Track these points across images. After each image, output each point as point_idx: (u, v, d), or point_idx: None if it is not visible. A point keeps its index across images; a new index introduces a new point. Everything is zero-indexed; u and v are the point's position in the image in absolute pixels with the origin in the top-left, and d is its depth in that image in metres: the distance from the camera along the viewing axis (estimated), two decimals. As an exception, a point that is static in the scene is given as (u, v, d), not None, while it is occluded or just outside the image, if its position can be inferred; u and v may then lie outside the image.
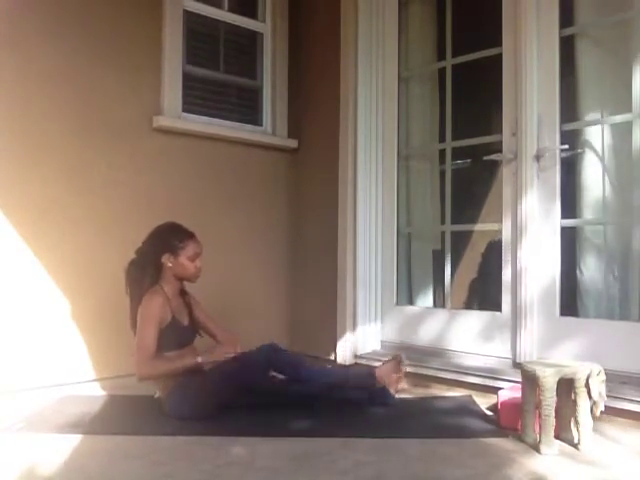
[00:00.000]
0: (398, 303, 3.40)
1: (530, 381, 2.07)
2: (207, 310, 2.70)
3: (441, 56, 3.35)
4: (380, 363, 2.75)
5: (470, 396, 2.73)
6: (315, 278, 3.58)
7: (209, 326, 2.67)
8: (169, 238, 2.52)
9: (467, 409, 2.56)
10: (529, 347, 2.74)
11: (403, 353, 2.77)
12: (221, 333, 2.67)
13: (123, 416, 2.48)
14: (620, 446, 2.10)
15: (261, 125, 3.70)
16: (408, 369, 2.75)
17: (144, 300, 2.43)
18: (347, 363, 2.84)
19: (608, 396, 2.09)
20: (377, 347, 3.39)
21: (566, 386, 2.06)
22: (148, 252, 2.51)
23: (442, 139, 3.37)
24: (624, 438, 2.18)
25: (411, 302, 3.46)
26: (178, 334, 2.49)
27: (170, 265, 2.51)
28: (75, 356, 2.85)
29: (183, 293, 2.63)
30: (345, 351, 3.34)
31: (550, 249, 2.74)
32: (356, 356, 3.33)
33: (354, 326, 3.36)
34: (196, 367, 2.42)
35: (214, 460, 1.94)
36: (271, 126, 3.71)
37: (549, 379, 2.01)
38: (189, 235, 2.56)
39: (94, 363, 2.90)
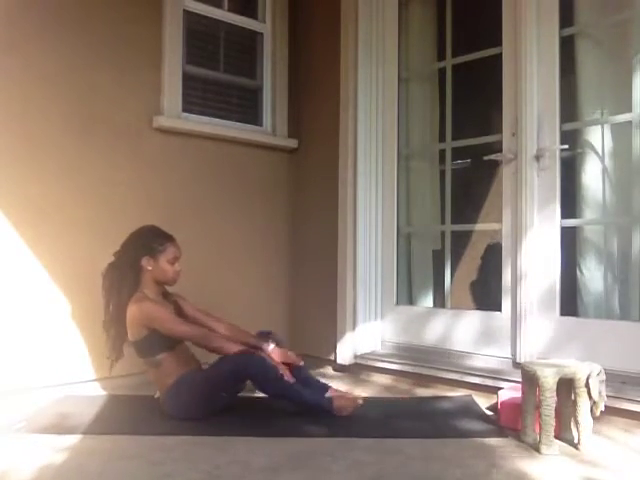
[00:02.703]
0: (398, 303, 3.39)
1: (530, 381, 2.07)
2: (195, 304, 2.66)
3: (441, 56, 3.35)
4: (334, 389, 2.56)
5: (470, 396, 2.73)
6: (315, 278, 3.58)
7: (201, 319, 2.61)
8: (149, 241, 2.49)
9: (467, 409, 2.56)
10: (529, 347, 2.74)
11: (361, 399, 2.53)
12: (215, 324, 2.61)
13: (122, 416, 2.48)
14: (620, 446, 2.10)
15: (261, 125, 3.70)
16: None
17: (134, 310, 2.40)
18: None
19: (608, 396, 2.09)
20: (377, 347, 3.38)
21: (566, 386, 2.06)
22: (128, 255, 2.48)
23: (442, 139, 3.37)
24: (624, 438, 2.18)
25: (411, 302, 3.46)
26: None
27: (150, 268, 2.47)
28: (75, 356, 2.85)
29: (165, 294, 2.59)
30: (345, 351, 3.34)
31: (550, 249, 2.73)
32: (356, 356, 3.32)
33: (354, 326, 3.35)
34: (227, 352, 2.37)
35: (213, 460, 1.94)
36: (271, 126, 3.70)
37: (549, 379, 2.01)
38: (169, 238, 2.52)
39: (94, 363, 2.89)
